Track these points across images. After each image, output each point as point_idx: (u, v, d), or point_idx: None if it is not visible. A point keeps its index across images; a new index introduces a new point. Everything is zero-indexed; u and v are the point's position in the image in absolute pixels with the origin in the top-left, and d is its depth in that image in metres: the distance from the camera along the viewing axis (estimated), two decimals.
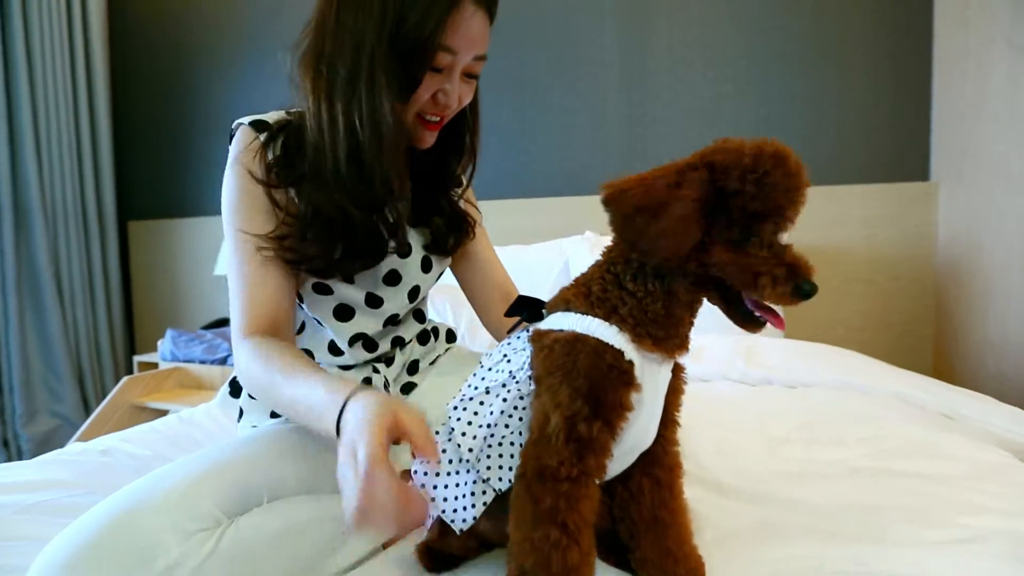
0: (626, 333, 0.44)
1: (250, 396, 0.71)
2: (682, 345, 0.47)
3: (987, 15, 1.48)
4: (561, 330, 0.46)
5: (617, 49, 1.96)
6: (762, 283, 0.41)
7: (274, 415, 0.74)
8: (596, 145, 2.01)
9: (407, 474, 0.70)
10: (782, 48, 1.84)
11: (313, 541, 0.53)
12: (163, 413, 1.80)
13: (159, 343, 1.94)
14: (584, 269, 0.50)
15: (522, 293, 0.59)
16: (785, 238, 0.44)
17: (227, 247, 0.64)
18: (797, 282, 0.41)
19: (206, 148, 2.65)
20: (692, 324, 0.48)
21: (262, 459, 0.58)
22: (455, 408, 0.50)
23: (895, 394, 0.96)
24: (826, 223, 1.78)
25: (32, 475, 0.70)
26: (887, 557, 0.48)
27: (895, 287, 1.75)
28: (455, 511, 0.49)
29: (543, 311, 0.50)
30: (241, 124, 0.65)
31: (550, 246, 1.80)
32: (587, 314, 0.46)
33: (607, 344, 0.44)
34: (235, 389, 0.78)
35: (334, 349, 0.73)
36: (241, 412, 0.75)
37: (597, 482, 0.45)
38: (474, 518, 0.48)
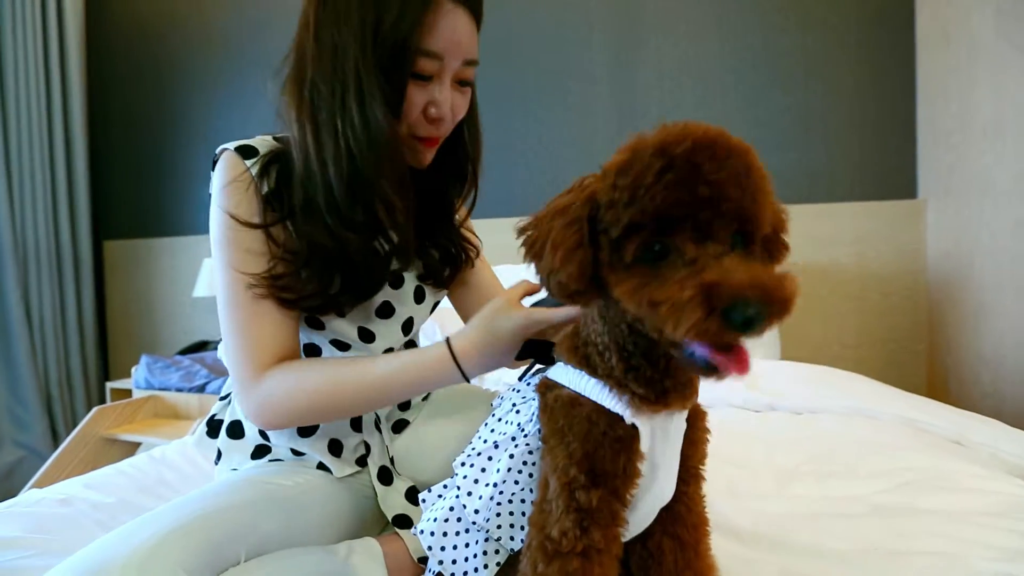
0: (626, 395, 0.39)
1: (270, 428, 0.62)
2: (687, 395, 0.40)
3: (968, 32, 1.50)
4: (563, 387, 0.41)
5: (607, 65, 1.96)
6: (662, 314, 0.30)
7: (256, 456, 0.68)
8: (586, 161, 1.99)
9: (401, 521, 0.65)
10: (770, 65, 1.86)
11: None
12: (136, 446, 1.71)
13: (133, 369, 1.85)
14: None
15: None
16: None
17: (219, 283, 0.58)
18: (718, 305, 0.29)
19: (186, 166, 2.58)
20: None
21: (240, 510, 0.52)
22: (462, 464, 0.46)
23: (902, 419, 0.93)
24: (817, 241, 1.78)
25: None
26: None
27: (887, 304, 1.75)
28: (465, 573, 0.44)
29: (552, 354, 0.46)
30: (226, 150, 0.60)
31: None
32: (582, 369, 0.41)
33: (603, 408, 0.39)
34: (212, 429, 0.72)
35: None
36: (219, 454, 0.69)
37: (612, 558, 0.40)
38: None
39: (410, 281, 0.68)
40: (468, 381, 0.57)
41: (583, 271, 0.35)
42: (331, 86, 0.55)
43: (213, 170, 0.61)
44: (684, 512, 0.45)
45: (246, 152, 0.59)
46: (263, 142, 0.62)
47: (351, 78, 0.54)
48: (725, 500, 0.68)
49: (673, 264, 0.32)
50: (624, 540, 0.43)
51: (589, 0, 1.98)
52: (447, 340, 0.56)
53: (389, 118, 0.55)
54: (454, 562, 0.45)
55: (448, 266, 0.70)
